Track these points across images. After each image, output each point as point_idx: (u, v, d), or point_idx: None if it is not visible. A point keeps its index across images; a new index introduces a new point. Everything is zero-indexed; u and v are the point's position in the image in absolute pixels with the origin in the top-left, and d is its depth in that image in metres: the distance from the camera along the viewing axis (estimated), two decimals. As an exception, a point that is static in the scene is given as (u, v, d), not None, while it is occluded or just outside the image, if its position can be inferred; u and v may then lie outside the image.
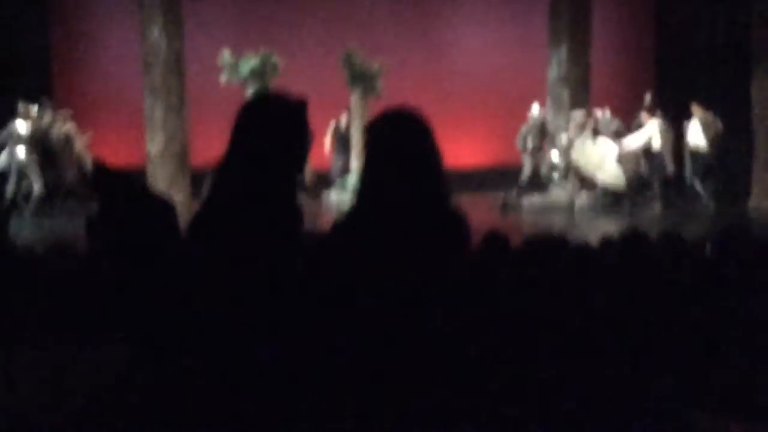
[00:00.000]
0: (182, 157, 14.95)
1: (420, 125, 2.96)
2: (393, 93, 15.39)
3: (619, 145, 14.05)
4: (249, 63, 14.74)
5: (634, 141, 13.95)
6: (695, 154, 13.92)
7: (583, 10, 14.96)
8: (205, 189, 2.95)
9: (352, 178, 15.26)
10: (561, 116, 14.91)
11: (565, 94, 14.95)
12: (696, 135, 13.87)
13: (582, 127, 14.28)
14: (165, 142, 14.73)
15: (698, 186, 13.95)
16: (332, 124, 15.99)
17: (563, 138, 14.36)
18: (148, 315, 2.83)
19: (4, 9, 16.02)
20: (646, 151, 13.98)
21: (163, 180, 14.77)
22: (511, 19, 17.89)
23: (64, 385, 3.51)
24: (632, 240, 4.68)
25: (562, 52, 14.93)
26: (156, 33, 14.72)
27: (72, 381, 3.50)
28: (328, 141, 16.11)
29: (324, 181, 15.50)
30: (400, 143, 2.90)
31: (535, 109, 15.35)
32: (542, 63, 15.42)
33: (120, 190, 2.93)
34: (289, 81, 15.58)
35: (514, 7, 17.87)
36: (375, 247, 2.83)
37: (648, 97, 14.50)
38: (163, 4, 14.74)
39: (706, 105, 14.11)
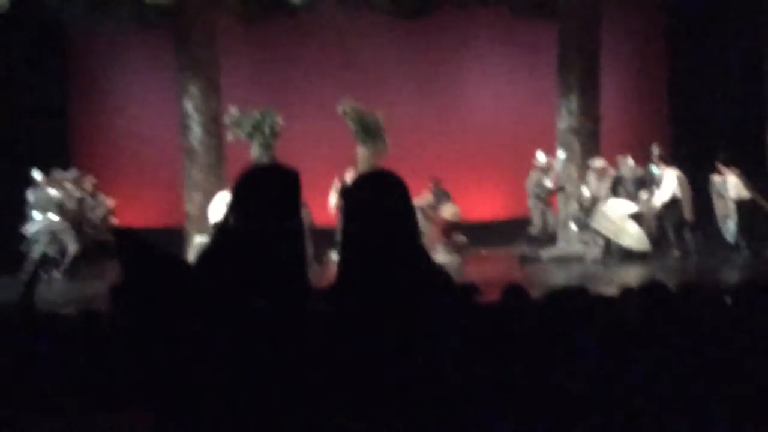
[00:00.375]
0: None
1: (397, 186, 2.98)
2: (407, 147, 15.51)
3: (640, 201, 14.13)
4: (250, 119, 14.66)
5: (662, 196, 13.94)
6: (741, 205, 13.85)
7: (592, 61, 15.04)
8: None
9: None
10: (572, 166, 14.94)
11: (576, 144, 15.00)
12: (736, 188, 13.78)
13: (602, 175, 14.31)
14: (203, 201, 14.96)
15: (740, 238, 13.89)
16: (336, 182, 15.29)
17: (585, 192, 14.36)
18: (171, 381, 2.84)
19: (21, 69, 16.20)
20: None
21: (200, 239, 15.02)
22: (521, 71, 17.96)
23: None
24: (652, 290, 4.67)
25: (572, 103, 15.01)
26: (194, 95, 15.04)
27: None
28: (332, 199, 15.24)
29: (330, 239, 15.22)
30: (379, 204, 2.93)
31: (541, 156, 15.22)
32: (553, 114, 15.50)
33: (140, 254, 2.95)
34: (301, 137, 15.82)
35: (524, 59, 17.94)
36: (366, 309, 2.86)
37: (656, 149, 14.50)
38: (201, 67, 15.06)
39: (718, 154, 14.18)
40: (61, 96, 17.41)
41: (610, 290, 7.90)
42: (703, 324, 4.25)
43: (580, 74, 14.98)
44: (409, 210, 2.97)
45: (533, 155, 15.08)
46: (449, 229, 15.04)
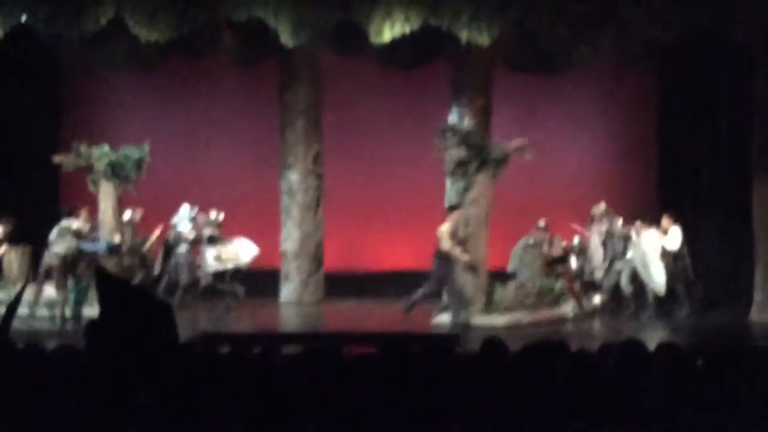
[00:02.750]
0: (317, 255, 15.40)
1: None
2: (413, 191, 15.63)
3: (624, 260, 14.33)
4: (106, 155, 14.24)
5: (673, 244, 14.08)
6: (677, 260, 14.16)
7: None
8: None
9: None
10: None
11: None
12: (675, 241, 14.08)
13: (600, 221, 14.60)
14: (301, 240, 15.15)
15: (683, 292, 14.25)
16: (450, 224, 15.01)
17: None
18: (146, 418, 2.87)
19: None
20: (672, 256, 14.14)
21: (297, 278, 15.19)
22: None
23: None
24: (629, 348, 4.71)
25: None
26: (295, 134, 15.27)
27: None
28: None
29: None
30: None
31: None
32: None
33: (120, 295, 3.00)
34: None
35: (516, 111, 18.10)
36: None
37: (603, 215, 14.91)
38: (306, 106, 15.33)
39: (708, 214, 14.33)
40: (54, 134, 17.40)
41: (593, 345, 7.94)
42: (676, 384, 4.31)
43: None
44: None
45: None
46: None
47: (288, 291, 15.78)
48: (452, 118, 14.72)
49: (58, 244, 13.39)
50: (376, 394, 4.35)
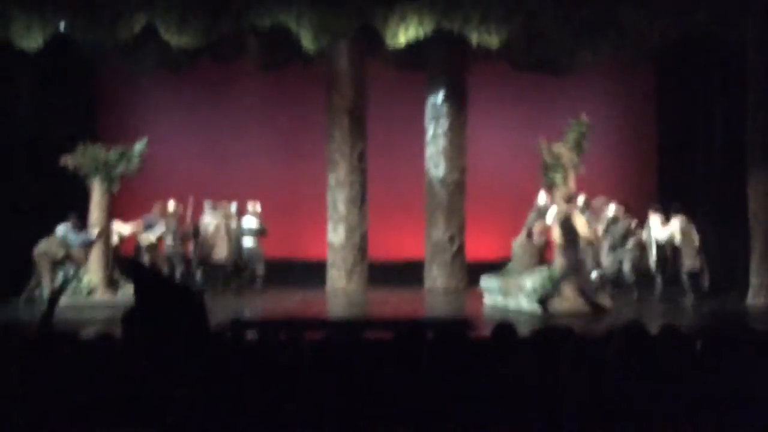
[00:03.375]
0: (362, 247, 15.63)
1: None
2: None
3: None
4: (93, 156, 14.01)
5: (658, 233, 14.06)
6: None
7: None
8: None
9: None
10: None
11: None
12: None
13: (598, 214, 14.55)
14: (346, 233, 15.36)
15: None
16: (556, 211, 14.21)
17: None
18: (177, 404, 2.85)
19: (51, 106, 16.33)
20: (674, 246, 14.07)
21: (343, 269, 15.42)
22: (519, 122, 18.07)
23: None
24: (633, 332, 4.66)
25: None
26: (342, 133, 15.42)
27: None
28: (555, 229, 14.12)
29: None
30: None
31: (542, 197, 15.18)
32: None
33: (152, 283, 2.98)
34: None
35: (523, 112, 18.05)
36: None
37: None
38: (352, 107, 15.52)
39: (706, 206, 14.29)
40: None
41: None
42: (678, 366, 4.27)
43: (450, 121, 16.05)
44: None
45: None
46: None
47: (334, 280, 15.91)
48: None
49: (43, 242, 14.04)
50: (392, 377, 4.32)
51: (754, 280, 13.85)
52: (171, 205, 15.52)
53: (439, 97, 16.23)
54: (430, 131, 16.41)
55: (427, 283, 16.31)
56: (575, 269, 12.61)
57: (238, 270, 15.89)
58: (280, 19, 13.89)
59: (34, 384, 4.03)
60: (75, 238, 14.09)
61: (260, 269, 15.75)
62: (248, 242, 15.77)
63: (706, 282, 13.99)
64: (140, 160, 14.12)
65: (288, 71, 16.89)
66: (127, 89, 17.90)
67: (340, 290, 15.83)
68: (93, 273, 13.94)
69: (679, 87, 17.17)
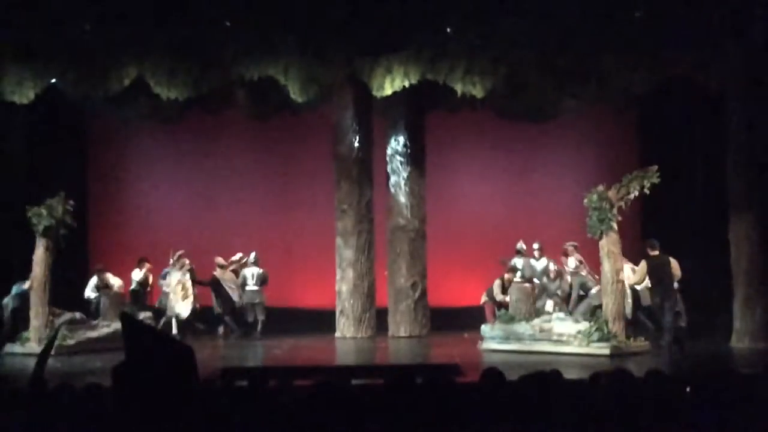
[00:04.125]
0: (370, 294, 15.50)
1: None
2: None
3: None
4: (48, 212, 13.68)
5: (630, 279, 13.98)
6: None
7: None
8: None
9: None
10: None
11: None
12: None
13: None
14: (354, 280, 15.24)
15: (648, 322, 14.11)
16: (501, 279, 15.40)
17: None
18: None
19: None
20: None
21: (351, 316, 15.31)
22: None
23: None
24: (619, 377, 4.67)
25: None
26: (350, 183, 15.36)
27: None
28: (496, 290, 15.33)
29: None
30: None
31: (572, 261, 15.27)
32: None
33: (144, 338, 2.99)
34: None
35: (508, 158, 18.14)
36: None
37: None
38: (360, 157, 15.40)
39: (688, 249, 14.33)
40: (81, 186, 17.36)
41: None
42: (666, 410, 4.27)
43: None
44: None
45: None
46: None
47: (343, 327, 15.78)
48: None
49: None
50: (382, 421, 4.31)
51: (737, 325, 13.86)
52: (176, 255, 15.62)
53: (399, 144, 16.13)
54: (392, 179, 16.25)
55: (391, 329, 16.07)
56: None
57: (236, 318, 15.92)
58: (268, 71, 14.00)
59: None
60: (15, 290, 14.52)
61: (261, 316, 15.79)
62: (251, 290, 15.85)
63: (683, 323, 13.90)
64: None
65: (280, 120, 16.93)
66: (118, 140, 17.93)
67: (349, 337, 15.64)
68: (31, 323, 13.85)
69: (661, 133, 17.24)
